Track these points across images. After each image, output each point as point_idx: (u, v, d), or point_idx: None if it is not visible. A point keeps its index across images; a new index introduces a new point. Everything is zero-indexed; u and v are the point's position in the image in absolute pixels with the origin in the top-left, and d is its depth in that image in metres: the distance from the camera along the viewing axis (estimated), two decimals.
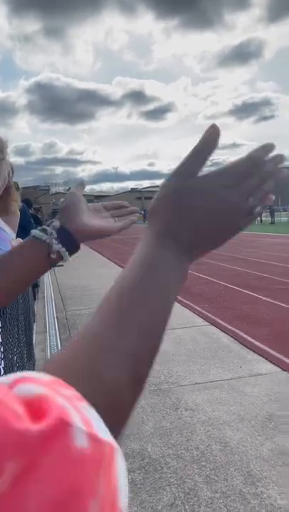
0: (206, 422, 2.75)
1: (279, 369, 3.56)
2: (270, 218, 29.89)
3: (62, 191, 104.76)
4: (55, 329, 5.09)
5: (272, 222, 29.09)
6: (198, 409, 2.92)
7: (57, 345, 4.42)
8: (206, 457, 2.38)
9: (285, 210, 33.32)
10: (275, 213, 30.51)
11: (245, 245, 14.91)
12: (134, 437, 2.61)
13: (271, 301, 6.07)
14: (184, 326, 4.98)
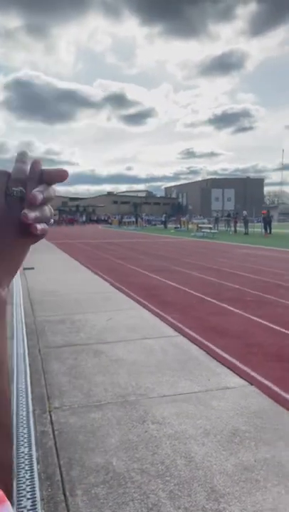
0: (172, 435, 2.75)
1: (246, 383, 3.60)
2: (244, 229, 30.38)
3: None
4: (22, 335, 5.00)
5: (246, 233, 29.58)
6: (165, 423, 2.92)
7: (24, 352, 4.33)
8: (170, 472, 2.37)
9: (258, 221, 33.95)
10: (249, 224, 31.03)
11: (219, 255, 15.10)
12: (99, 450, 2.58)
13: (242, 313, 6.16)
14: (155, 337, 4.98)
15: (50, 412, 3.09)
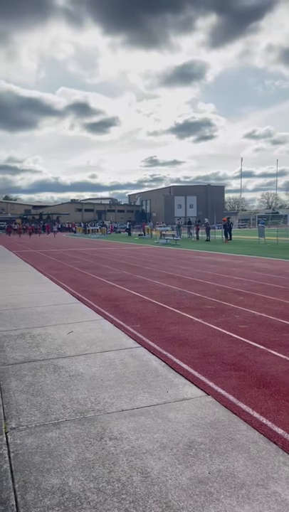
0: (129, 451, 2.77)
1: (203, 393, 3.68)
2: (206, 235, 30.93)
3: None
4: None
5: (208, 240, 30.13)
6: (122, 438, 2.93)
7: None
8: (126, 489, 2.39)
9: (219, 228, 34.66)
10: (211, 230, 31.63)
11: (181, 263, 15.30)
12: (56, 471, 2.57)
13: (201, 321, 6.28)
14: (115, 349, 4.99)
15: (6, 433, 3.03)
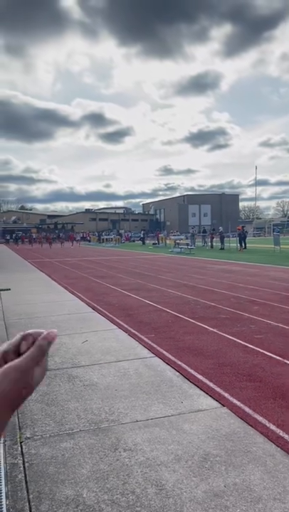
0: (143, 463, 2.75)
1: (219, 404, 3.64)
2: (220, 244, 30.80)
3: (14, 209, 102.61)
4: None
5: (222, 248, 29.97)
6: (136, 450, 2.91)
7: None
8: (141, 502, 2.37)
9: (234, 236, 34.47)
10: (225, 239, 31.50)
11: (195, 271, 15.24)
12: (70, 482, 2.56)
13: (216, 331, 6.23)
14: (129, 358, 4.98)
15: (21, 442, 3.04)
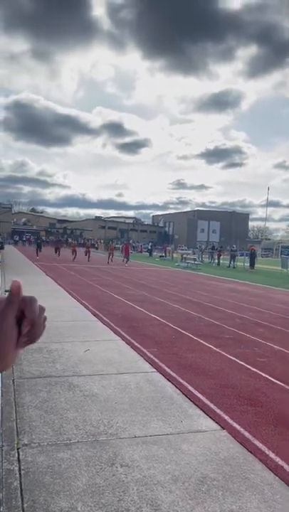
0: (140, 480, 2.73)
1: (219, 427, 3.60)
2: (228, 262, 30.76)
3: (25, 211, 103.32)
4: None
5: (232, 267, 29.89)
6: (133, 466, 2.89)
7: None
8: None
9: (242, 255, 34.40)
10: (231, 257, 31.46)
11: (201, 288, 15.20)
12: (65, 494, 2.54)
13: (219, 351, 6.19)
14: (131, 371, 4.96)
15: (18, 449, 3.03)
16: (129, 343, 6.32)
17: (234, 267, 29.70)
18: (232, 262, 30.60)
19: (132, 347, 6.09)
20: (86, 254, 30.00)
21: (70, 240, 50.91)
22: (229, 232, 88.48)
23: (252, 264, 28.41)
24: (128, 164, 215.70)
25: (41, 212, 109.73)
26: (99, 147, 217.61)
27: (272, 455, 3.16)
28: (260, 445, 3.30)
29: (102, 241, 65.37)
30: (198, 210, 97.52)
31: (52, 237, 60.89)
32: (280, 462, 3.05)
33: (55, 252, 30.26)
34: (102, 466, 2.88)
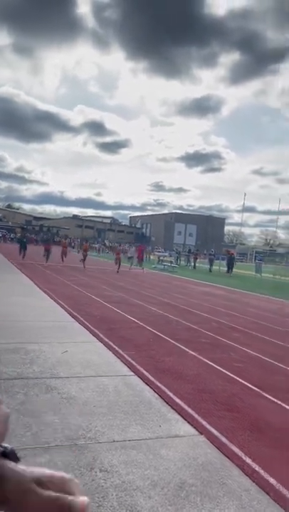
0: (119, 486, 2.72)
1: (197, 432, 3.63)
2: (208, 266, 31.07)
3: (0, 207, 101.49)
4: None
5: (209, 270, 30.18)
6: (113, 471, 2.88)
7: None
8: None
9: (218, 259, 34.80)
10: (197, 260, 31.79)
11: (177, 290, 15.29)
12: None
13: (196, 355, 6.24)
14: (109, 374, 4.95)
15: None
16: (106, 345, 6.30)
17: (210, 271, 30.01)
18: (210, 266, 30.92)
19: (109, 349, 6.07)
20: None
21: (60, 239, 43.49)
22: (205, 236, 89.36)
23: (230, 269, 28.79)
24: (108, 164, 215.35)
25: (17, 209, 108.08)
26: (79, 145, 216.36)
27: (248, 460, 3.21)
28: (236, 450, 3.35)
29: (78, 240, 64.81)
30: (175, 213, 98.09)
31: (41, 235, 56.06)
32: (257, 468, 3.10)
33: (44, 256, 22.29)
34: (82, 470, 2.86)
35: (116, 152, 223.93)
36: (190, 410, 4.08)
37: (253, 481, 2.93)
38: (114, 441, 3.33)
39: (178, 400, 4.31)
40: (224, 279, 24.08)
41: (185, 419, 3.86)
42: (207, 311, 10.89)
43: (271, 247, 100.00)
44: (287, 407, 4.45)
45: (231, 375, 5.41)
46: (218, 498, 2.70)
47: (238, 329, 8.69)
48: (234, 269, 29.73)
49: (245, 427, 3.84)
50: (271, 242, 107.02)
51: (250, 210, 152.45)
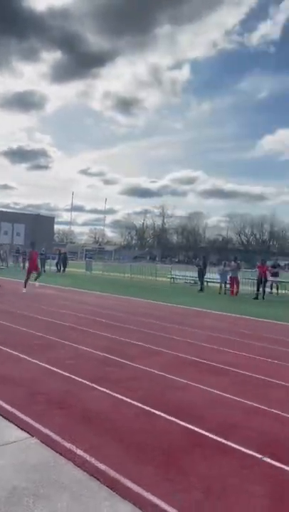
0: None
1: (28, 435, 3.60)
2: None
3: None
4: None
5: (43, 271, 29.60)
6: None
7: None
8: None
9: (48, 258, 34.48)
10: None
11: (3, 293, 14.66)
12: None
13: (28, 358, 6.13)
14: None
15: None
16: None
17: (44, 271, 29.56)
18: (43, 267, 30.39)
19: None
20: None
21: None
22: (35, 235, 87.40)
23: (63, 268, 28.89)
24: None
25: None
26: None
27: (80, 452, 3.33)
28: (68, 445, 3.45)
29: None
30: (1, 212, 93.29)
31: None
32: (88, 458, 3.25)
33: None
34: None
35: None
36: (21, 415, 4.00)
37: (84, 471, 3.07)
38: None
39: (7, 407, 4.18)
40: (57, 278, 24.06)
41: (16, 425, 3.78)
42: (37, 312, 10.76)
43: (100, 245, 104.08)
44: (114, 394, 4.76)
45: (64, 373, 5.50)
46: (50, 495, 2.74)
47: (69, 327, 8.84)
48: (66, 268, 29.98)
49: (77, 421, 3.97)
50: (100, 240, 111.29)
51: (79, 209, 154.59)
